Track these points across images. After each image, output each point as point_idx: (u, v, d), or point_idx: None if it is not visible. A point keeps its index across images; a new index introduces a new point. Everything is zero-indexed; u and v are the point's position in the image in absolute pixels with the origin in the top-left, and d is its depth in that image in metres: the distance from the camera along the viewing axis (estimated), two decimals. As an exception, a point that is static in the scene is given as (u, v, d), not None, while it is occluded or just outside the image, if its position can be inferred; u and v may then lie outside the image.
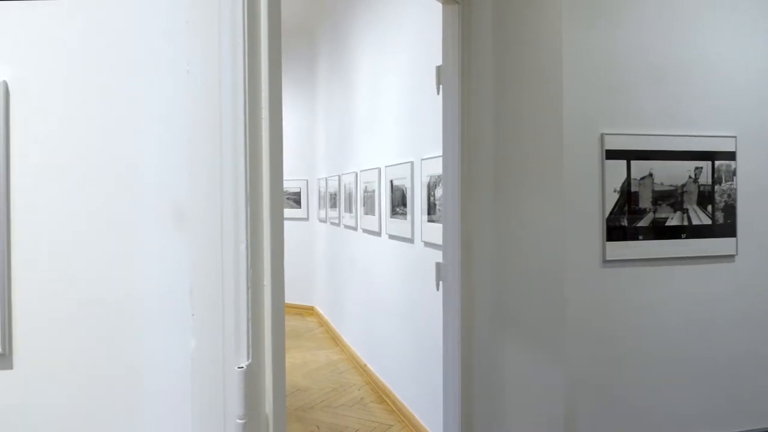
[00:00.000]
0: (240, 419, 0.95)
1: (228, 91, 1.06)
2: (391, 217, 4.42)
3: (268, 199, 1.07)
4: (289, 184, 7.86)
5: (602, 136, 2.09)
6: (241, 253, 1.02)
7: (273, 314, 1.03)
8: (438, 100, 2.85)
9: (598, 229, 2.10)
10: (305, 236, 7.76)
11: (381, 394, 4.54)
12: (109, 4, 1.13)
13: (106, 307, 1.13)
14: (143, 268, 1.13)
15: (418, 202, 3.83)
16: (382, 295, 4.70)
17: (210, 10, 1.09)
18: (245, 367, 0.97)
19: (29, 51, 1.10)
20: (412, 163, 3.93)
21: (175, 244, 1.10)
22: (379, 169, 4.67)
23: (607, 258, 2.09)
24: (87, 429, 1.12)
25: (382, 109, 4.70)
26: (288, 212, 7.72)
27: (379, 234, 4.75)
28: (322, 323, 7.16)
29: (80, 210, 1.12)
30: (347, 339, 5.90)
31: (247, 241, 1.02)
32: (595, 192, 2.11)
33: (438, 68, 2.83)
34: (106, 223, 1.12)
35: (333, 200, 6.62)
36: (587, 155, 2.10)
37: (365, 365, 5.08)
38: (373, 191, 4.84)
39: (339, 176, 6.26)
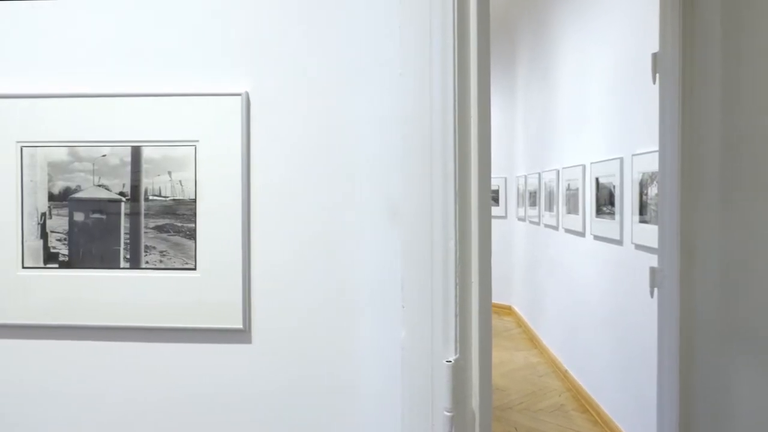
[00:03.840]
0: (447, 412, 0.97)
1: (438, 92, 1.09)
2: (596, 216, 4.17)
3: (476, 197, 1.08)
4: (488, 183, 7.82)
5: None
6: (449, 250, 1.04)
7: (480, 311, 1.04)
8: (652, 90, 2.62)
9: None
10: (503, 234, 7.68)
11: (583, 403, 4.33)
12: (332, 16, 1.23)
13: (328, 293, 1.23)
14: (361, 260, 1.22)
15: (628, 201, 3.57)
16: (584, 298, 4.46)
17: (421, 14, 1.13)
18: (453, 362, 0.99)
19: (266, 63, 1.25)
20: (621, 159, 3.67)
21: (389, 239, 1.16)
22: (584, 166, 4.44)
23: None
24: (311, 404, 1.24)
25: (587, 102, 4.45)
26: (486, 210, 7.69)
27: (582, 234, 4.52)
28: (520, 323, 7.02)
29: (310, 206, 1.24)
30: (546, 341, 5.71)
31: (455, 238, 1.04)
32: None
33: (654, 55, 2.60)
34: (330, 218, 1.23)
35: (532, 198, 6.45)
36: None
37: (566, 371, 4.87)
38: (577, 189, 4.61)
39: (539, 173, 6.08)
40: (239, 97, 1.24)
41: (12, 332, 1.30)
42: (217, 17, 1.25)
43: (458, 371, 0.99)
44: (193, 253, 1.24)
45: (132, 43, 1.27)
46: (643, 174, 3.28)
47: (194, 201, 1.24)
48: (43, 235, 1.27)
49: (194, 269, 1.24)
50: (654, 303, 2.58)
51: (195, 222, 1.24)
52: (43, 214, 1.27)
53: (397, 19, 1.18)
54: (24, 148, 1.27)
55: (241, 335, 1.25)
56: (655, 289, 2.52)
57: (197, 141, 1.24)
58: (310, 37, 1.24)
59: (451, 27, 1.09)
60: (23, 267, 1.27)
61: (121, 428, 1.29)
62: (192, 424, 1.27)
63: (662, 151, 2.48)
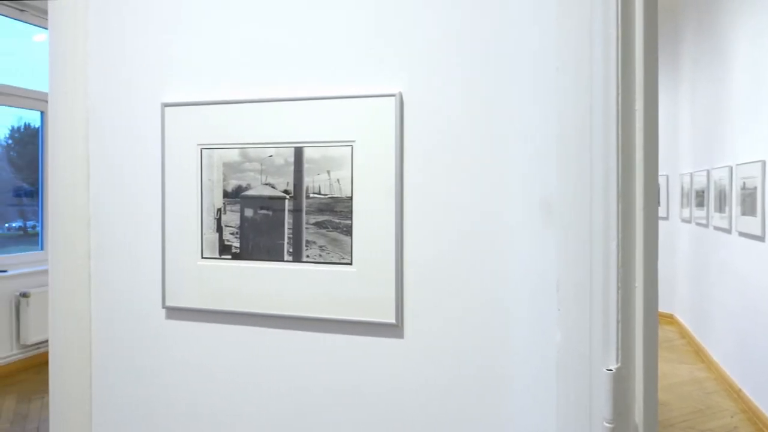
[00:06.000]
0: (608, 423, 0.92)
1: (599, 86, 1.03)
2: (779, 218, 3.71)
3: (642, 196, 1.01)
4: (647, 181, 7.26)
5: None
6: (611, 252, 0.98)
7: (645, 319, 0.97)
8: None
9: None
10: (664, 237, 7.09)
11: (762, 427, 3.87)
12: (484, 11, 1.22)
13: (480, 291, 1.22)
14: (514, 259, 1.19)
15: (819, 201, 3.12)
16: (762, 309, 3.99)
17: (580, 4, 1.08)
18: (614, 370, 0.93)
19: (419, 63, 1.27)
20: (812, 153, 3.22)
21: (542, 238, 1.13)
22: (763, 162, 3.97)
23: None
24: (461, 399, 1.24)
25: (766, 93, 3.97)
26: (645, 211, 7.15)
27: (761, 238, 4.04)
28: (683, 334, 6.45)
29: (461, 205, 1.24)
30: (715, 356, 5.18)
31: (618, 239, 0.98)
32: None
33: None
34: (482, 217, 1.22)
35: (699, 198, 5.89)
36: None
37: (740, 390, 4.39)
38: (754, 188, 4.13)
39: (707, 171, 5.54)
40: (393, 97, 1.27)
41: (190, 315, 1.45)
42: (370, 20, 1.29)
43: (620, 381, 0.93)
44: (350, 249, 1.30)
45: (292, 50, 1.35)
46: (841, 170, 2.85)
47: (350, 199, 1.30)
48: (219, 229, 1.40)
49: (350, 264, 1.30)
50: None
51: (351, 219, 1.30)
52: (219, 210, 1.40)
53: (554, 11, 1.13)
54: (203, 150, 1.41)
55: (393, 330, 1.28)
56: None
57: (354, 141, 1.30)
58: (461, 34, 1.23)
59: (614, 16, 1.03)
60: (202, 257, 1.41)
61: (275, 411, 1.38)
62: (343, 414, 1.33)
63: None
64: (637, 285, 1.00)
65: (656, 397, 0.97)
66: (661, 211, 7.34)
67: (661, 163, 7.21)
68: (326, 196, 1.31)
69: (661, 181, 7.35)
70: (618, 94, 1.01)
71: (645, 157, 1.03)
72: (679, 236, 6.98)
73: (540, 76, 1.17)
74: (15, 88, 4.75)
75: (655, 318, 1.00)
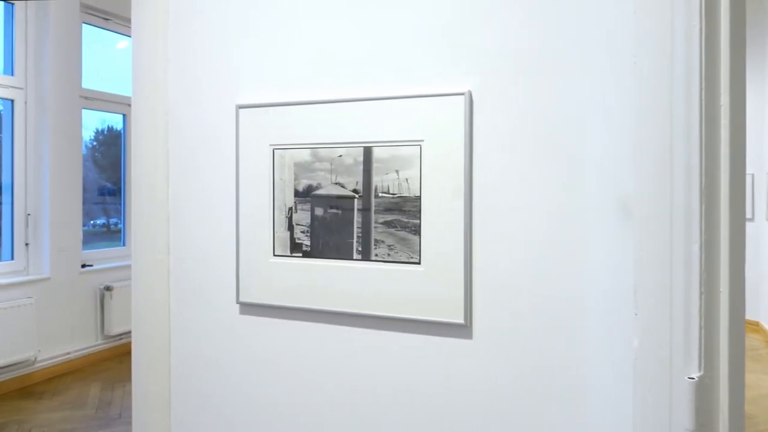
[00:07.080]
0: (689, 433, 0.88)
1: (681, 80, 0.99)
2: None
3: (728, 196, 0.95)
4: (730, 180, 6.86)
5: None
6: (693, 255, 0.93)
7: (731, 326, 0.92)
8: None
9: None
10: (749, 239, 6.64)
11: None
12: (554, 8, 1.18)
13: (552, 293, 1.19)
14: (587, 261, 1.16)
15: None
16: None
17: (661, -5, 1.03)
18: (696, 379, 0.88)
19: (489, 61, 1.25)
20: None
21: (618, 239, 1.09)
22: None
23: None
24: (531, 403, 1.22)
25: None
26: (727, 211, 6.76)
27: None
28: (770, 343, 6.07)
29: (531, 204, 1.21)
30: (805, 366, 4.85)
31: (700, 241, 0.93)
32: None
33: None
34: (554, 216, 1.19)
35: (789, 198, 5.52)
36: None
37: (832, 403, 4.08)
38: None
39: (799, 169, 5.18)
40: (462, 96, 1.25)
41: (262, 311, 1.49)
42: (438, 20, 1.29)
43: (703, 390, 0.89)
44: (418, 248, 1.30)
45: (361, 51, 1.36)
46: None
47: (419, 198, 1.29)
48: (290, 228, 1.43)
49: (418, 263, 1.30)
50: None
51: (419, 218, 1.29)
52: (290, 209, 1.43)
53: (630, 4, 1.09)
54: (275, 151, 1.44)
55: (462, 330, 1.27)
56: None
57: (422, 140, 1.29)
58: (531, 31, 1.21)
59: (697, 4, 0.98)
60: (274, 255, 1.45)
61: (341, 407, 1.39)
62: (409, 413, 1.33)
63: None
64: (722, 290, 0.94)
65: (743, 407, 0.92)
66: (746, 212, 6.94)
67: (747, 160, 6.81)
68: (395, 196, 1.32)
69: (747, 179, 6.95)
70: (701, 89, 0.96)
71: (731, 155, 0.97)
72: (765, 238, 6.57)
73: (616, 70, 1.13)
74: (100, 92, 5.03)
75: (741, 324, 0.95)
